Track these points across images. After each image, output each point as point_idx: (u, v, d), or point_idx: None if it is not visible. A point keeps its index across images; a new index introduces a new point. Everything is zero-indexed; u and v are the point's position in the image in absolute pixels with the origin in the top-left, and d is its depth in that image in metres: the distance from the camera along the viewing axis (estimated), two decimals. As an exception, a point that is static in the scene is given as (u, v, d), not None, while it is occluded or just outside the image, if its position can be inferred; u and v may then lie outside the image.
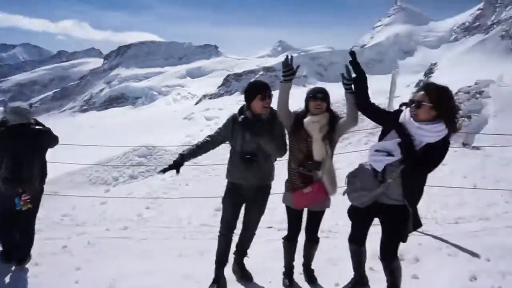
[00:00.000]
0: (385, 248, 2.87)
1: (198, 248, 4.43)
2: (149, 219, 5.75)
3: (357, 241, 3.05)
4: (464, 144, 13.48)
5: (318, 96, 3.00)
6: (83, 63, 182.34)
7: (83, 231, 5.09)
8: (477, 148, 8.48)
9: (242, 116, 3.15)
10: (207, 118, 42.99)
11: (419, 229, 4.33)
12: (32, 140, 3.70)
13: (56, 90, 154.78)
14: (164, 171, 3.29)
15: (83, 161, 10.00)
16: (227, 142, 3.38)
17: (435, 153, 2.60)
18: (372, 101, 2.91)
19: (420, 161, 2.61)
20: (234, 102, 52.07)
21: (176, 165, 3.25)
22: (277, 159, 3.41)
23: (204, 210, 6.01)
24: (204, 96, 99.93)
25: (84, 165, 9.31)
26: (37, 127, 3.80)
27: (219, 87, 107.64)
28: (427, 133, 2.59)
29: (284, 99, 3.05)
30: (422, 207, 5.13)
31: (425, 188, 5.91)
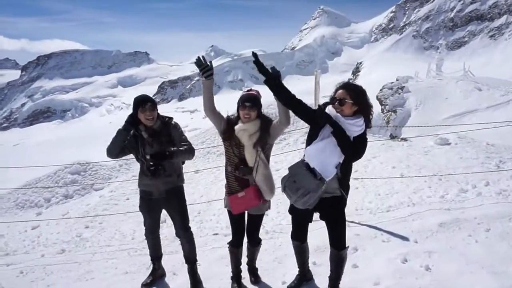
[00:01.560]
0: (337, 238, 3.00)
1: (144, 264, 4.31)
2: (89, 239, 5.45)
3: (299, 238, 3.18)
4: (393, 137, 14.66)
5: (246, 105, 3.00)
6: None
7: (14, 261, 4.69)
8: (405, 139, 9.25)
9: (134, 131, 3.33)
10: (144, 128, 41.41)
11: (356, 220, 4.69)
12: None
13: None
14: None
15: (7, 185, 9.15)
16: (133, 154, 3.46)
17: (361, 145, 2.84)
18: (299, 98, 2.98)
19: (354, 150, 2.82)
20: (172, 110, 50.92)
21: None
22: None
23: (148, 223, 5.84)
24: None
25: (8, 189, 8.52)
26: None
27: (154, 95, 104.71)
28: (353, 128, 2.81)
29: (207, 98, 3.13)
30: (358, 199, 5.54)
31: (359, 180, 6.33)
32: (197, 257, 3.69)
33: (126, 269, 4.20)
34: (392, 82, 25.45)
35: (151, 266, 3.81)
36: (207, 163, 9.07)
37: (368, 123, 2.88)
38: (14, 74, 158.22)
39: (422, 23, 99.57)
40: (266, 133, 3.05)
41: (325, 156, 2.83)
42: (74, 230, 5.87)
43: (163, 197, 3.48)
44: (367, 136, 2.91)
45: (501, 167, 6.27)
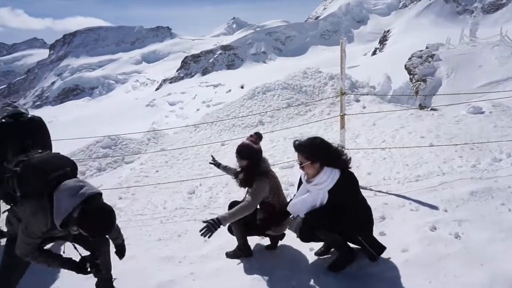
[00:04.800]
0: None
1: (176, 231, 4.51)
2: (123, 208, 5.70)
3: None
4: (422, 107, 14.21)
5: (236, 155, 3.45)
6: (27, 55, 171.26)
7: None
8: (435, 109, 8.98)
9: None
10: (170, 103, 41.99)
11: (384, 190, 4.66)
12: (30, 125, 4.06)
13: (1, 86, 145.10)
14: None
15: (44, 159, 9.59)
16: None
17: (339, 194, 2.91)
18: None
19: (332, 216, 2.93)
20: (196, 85, 51.13)
21: None
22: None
23: (178, 194, 6.04)
24: (164, 80, 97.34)
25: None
26: (31, 115, 4.16)
27: (178, 70, 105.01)
28: (320, 186, 2.93)
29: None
30: (386, 170, 5.48)
31: (387, 151, 6.24)
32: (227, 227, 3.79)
33: (159, 236, 4.40)
34: (421, 50, 24.35)
35: None
36: (232, 135, 9.16)
37: (341, 165, 2.95)
38: (43, 53, 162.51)
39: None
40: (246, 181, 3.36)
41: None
42: (109, 201, 6.04)
43: None
44: (348, 180, 2.95)
45: (538, 135, 6.00)
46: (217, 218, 2.94)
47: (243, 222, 3.43)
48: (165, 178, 7.03)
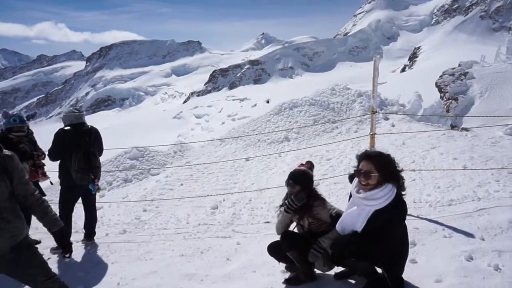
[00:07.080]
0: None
1: (198, 248, 4.47)
2: (147, 221, 5.74)
3: None
4: (453, 126, 13.73)
5: (289, 182, 3.28)
6: (65, 66, 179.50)
7: (81, 238, 5.06)
8: (466, 129, 8.63)
9: None
10: (196, 116, 42.68)
11: (414, 214, 4.46)
12: (90, 136, 4.49)
13: (40, 96, 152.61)
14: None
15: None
16: None
17: (384, 218, 2.75)
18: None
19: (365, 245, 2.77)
20: (222, 98, 51.80)
21: None
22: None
23: (201, 209, 6.02)
24: (192, 93, 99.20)
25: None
26: (90, 125, 4.61)
27: (206, 83, 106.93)
28: (370, 202, 2.78)
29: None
30: (416, 192, 5.26)
31: (416, 172, 5.99)
32: (250, 245, 3.72)
33: (182, 252, 4.37)
34: (453, 68, 23.67)
35: None
36: (257, 150, 9.12)
37: (401, 188, 2.83)
38: (80, 65, 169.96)
39: (492, 1, 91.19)
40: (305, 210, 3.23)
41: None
42: (133, 213, 6.21)
43: (10, 257, 2.44)
44: (402, 205, 2.82)
45: None
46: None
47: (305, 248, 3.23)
48: (189, 191, 7.05)
